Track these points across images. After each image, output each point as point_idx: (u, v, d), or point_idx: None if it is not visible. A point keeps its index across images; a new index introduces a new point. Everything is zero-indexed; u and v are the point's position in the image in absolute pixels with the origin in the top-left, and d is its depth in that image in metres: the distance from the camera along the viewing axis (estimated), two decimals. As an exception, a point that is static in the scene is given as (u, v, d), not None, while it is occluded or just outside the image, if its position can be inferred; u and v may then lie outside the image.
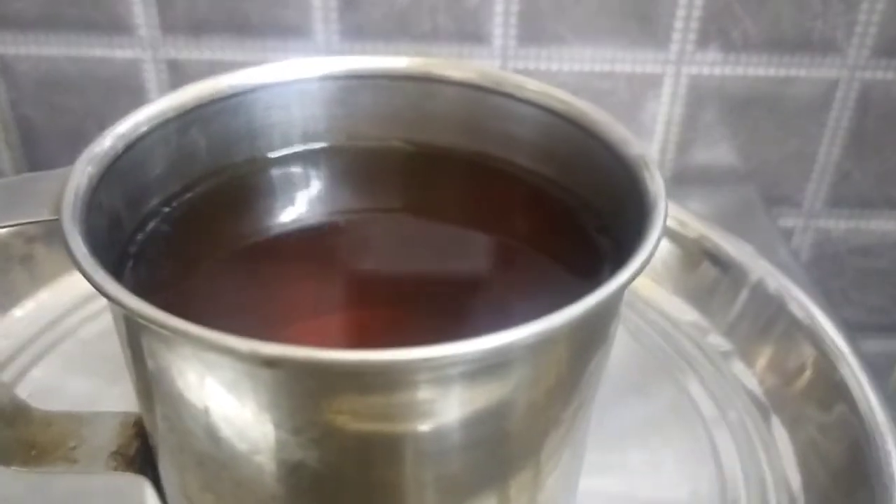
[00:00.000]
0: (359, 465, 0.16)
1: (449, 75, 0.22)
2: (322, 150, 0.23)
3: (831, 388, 0.25)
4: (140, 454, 0.20)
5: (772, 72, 0.44)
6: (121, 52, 0.43)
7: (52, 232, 0.28)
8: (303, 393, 0.15)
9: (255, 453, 0.16)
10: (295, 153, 0.22)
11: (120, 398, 0.25)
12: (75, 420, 0.21)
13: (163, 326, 0.14)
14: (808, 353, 0.26)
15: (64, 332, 0.29)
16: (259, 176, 0.22)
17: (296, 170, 0.22)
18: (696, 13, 0.42)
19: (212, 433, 0.16)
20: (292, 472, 0.16)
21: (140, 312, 0.14)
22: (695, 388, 0.28)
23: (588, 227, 0.20)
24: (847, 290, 0.51)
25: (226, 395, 0.15)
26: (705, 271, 0.30)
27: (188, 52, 0.44)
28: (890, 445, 0.23)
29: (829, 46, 0.43)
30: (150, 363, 0.16)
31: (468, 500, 0.18)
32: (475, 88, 0.22)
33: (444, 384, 0.15)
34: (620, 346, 0.29)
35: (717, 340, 0.29)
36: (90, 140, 0.45)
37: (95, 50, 0.43)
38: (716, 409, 0.27)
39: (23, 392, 0.21)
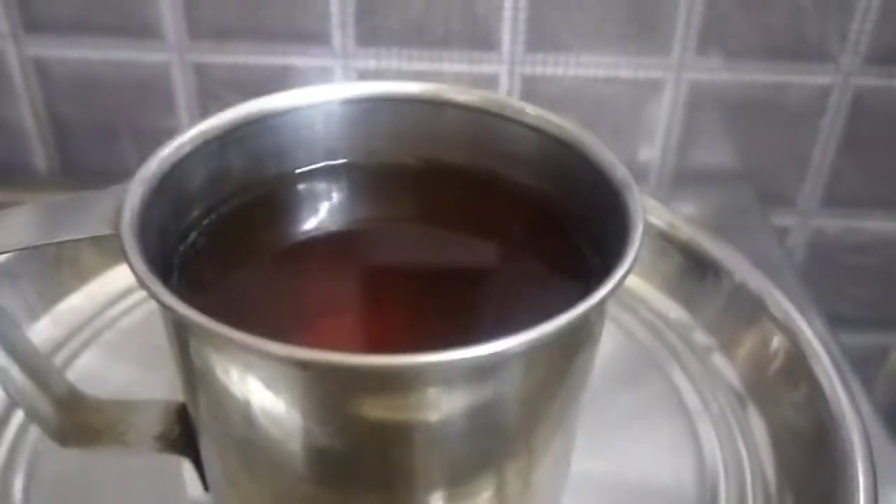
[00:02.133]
0: (376, 450, 0.19)
1: (456, 99, 0.24)
2: (343, 165, 0.25)
3: (801, 375, 0.28)
4: (181, 437, 0.23)
5: (769, 77, 0.45)
6: (150, 56, 0.46)
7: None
8: (328, 390, 0.17)
9: (287, 440, 0.19)
10: (318, 169, 0.25)
11: (158, 384, 0.28)
12: (123, 407, 0.24)
13: (212, 333, 0.16)
14: (782, 346, 0.29)
15: (107, 322, 0.32)
16: (287, 190, 0.24)
17: (319, 184, 0.25)
18: (696, 21, 0.44)
19: (250, 422, 0.18)
20: (319, 456, 0.19)
21: (192, 321, 0.16)
22: (679, 380, 0.30)
23: (578, 239, 0.23)
24: (841, 287, 0.53)
25: (263, 390, 0.18)
26: (692, 271, 0.33)
27: (213, 56, 0.46)
28: (850, 420, 0.26)
29: (824, 54, 0.45)
30: (196, 361, 0.19)
31: (471, 480, 0.21)
32: (480, 112, 0.24)
33: (449, 382, 0.18)
34: (612, 341, 0.31)
35: (701, 336, 0.32)
36: (120, 137, 0.48)
37: (126, 53, 0.46)
38: (698, 400, 0.30)
39: (70, 378, 0.24)
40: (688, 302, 0.33)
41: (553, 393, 0.20)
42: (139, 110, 0.48)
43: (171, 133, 0.22)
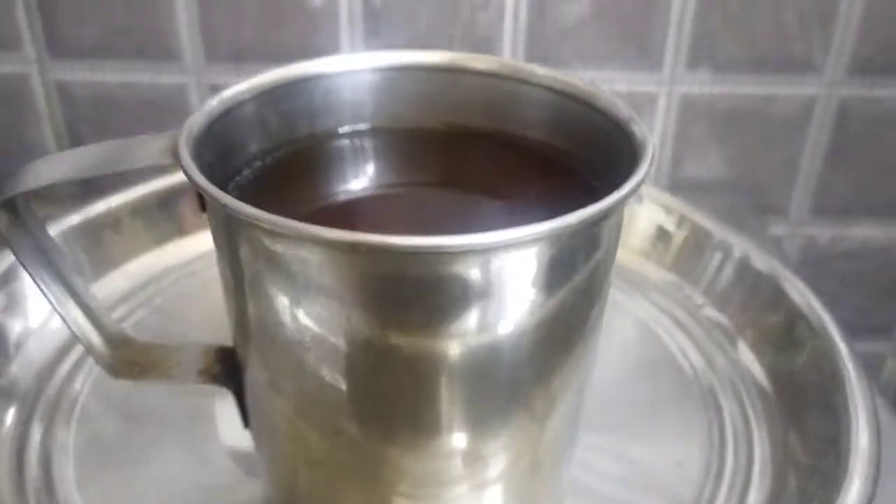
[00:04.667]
0: (414, 343, 0.20)
1: (474, 66, 0.26)
2: (368, 129, 0.27)
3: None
4: (222, 373, 0.24)
5: (756, 90, 0.48)
6: (168, 78, 0.48)
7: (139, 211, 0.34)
8: (375, 274, 0.19)
9: (331, 335, 0.20)
10: (346, 132, 0.27)
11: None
12: (168, 348, 0.25)
13: (270, 223, 0.18)
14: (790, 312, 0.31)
15: (142, 300, 0.34)
16: (317, 149, 0.26)
17: (347, 145, 0.27)
18: (686, 38, 0.47)
19: (297, 321, 0.20)
20: (362, 349, 0.20)
21: (251, 214, 0.18)
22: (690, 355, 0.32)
23: (590, 180, 0.25)
24: (834, 294, 0.54)
25: (313, 282, 0.19)
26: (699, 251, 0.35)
27: (229, 77, 0.48)
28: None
29: (808, 66, 0.47)
30: (248, 269, 0.20)
31: (494, 401, 0.22)
32: (495, 76, 0.26)
33: (486, 266, 0.19)
34: (628, 326, 0.33)
35: (712, 313, 0.34)
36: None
37: (146, 75, 0.48)
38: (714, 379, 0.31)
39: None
40: (697, 279, 0.35)
41: (577, 294, 0.21)
42: (157, 131, 0.50)
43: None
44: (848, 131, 0.49)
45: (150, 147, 0.22)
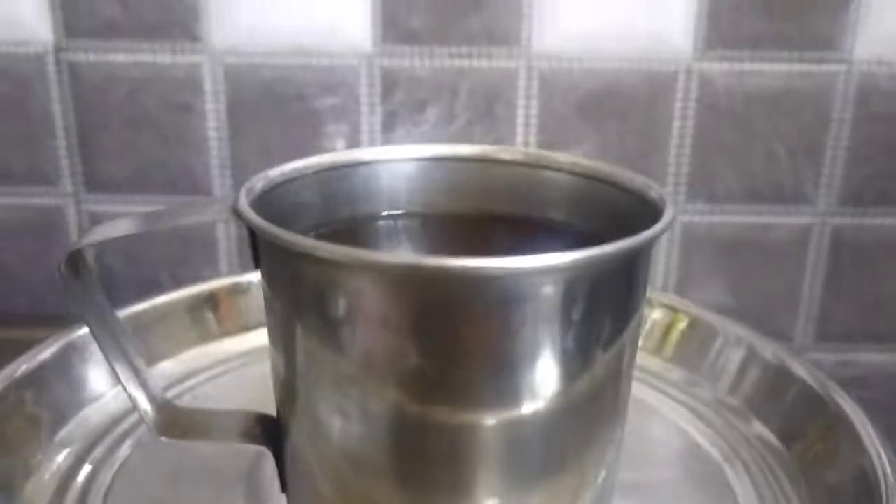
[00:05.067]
0: (472, 370, 0.21)
1: (501, 156, 0.29)
2: (404, 214, 0.29)
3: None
4: (262, 435, 0.25)
5: (753, 219, 0.51)
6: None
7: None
8: (437, 301, 0.20)
9: (377, 373, 0.21)
10: (384, 215, 0.29)
11: None
12: (210, 413, 0.26)
13: (328, 251, 0.20)
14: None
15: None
16: (357, 230, 0.28)
17: (384, 228, 0.29)
18: (685, 171, 0.50)
19: (344, 359, 0.21)
20: (410, 385, 0.21)
21: (308, 244, 0.20)
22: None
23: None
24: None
25: (366, 317, 0.21)
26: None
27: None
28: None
29: (800, 197, 0.50)
30: (296, 311, 0.22)
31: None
32: (520, 165, 0.29)
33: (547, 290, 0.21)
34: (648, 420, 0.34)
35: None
36: (164, 289, 0.52)
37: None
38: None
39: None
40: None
41: (615, 329, 0.23)
42: (182, 262, 0.52)
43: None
44: (844, 259, 0.51)
45: (208, 206, 0.23)
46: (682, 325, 0.39)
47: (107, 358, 0.25)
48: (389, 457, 0.22)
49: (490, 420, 0.22)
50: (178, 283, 0.52)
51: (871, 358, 0.53)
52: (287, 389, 0.23)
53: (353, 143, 0.50)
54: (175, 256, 0.52)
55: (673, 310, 0.39)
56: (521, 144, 0.49)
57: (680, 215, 0.51)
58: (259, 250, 0.23)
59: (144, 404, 0.25)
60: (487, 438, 0.22)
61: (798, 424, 0.33)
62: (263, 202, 0.25)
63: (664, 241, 0.52)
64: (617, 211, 0.27)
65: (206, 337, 0.38)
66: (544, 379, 0.22)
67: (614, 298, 0.22)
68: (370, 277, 0.20)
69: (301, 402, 0.23)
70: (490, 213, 0.29)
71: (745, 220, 0.51)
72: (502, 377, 0.21)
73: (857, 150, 0.49)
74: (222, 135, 0.50)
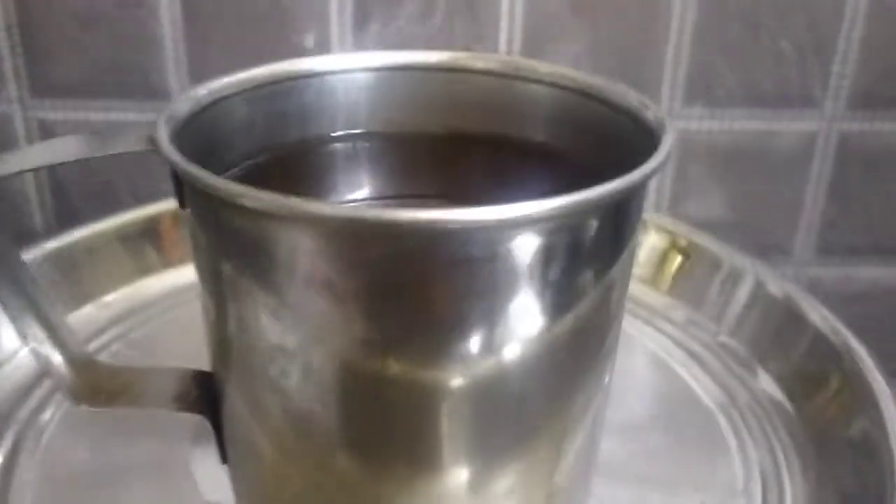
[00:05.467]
0: (424, 339, 0.18)
1: (474, 65, 0.25)
2: (362, 134, 0.25)
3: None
4: (198, 399, 0.22)
5: (754, 125, 0.47)
6: (155, 117, 0.47)
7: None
8: (371, 258, 0.17)
9: (322, 340, 0.18)
10: (339, 136, 0.25)
11: None
12: (138, 372, 0.23)
13: (257, 199, 0.16)
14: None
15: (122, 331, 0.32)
16: (308, 154, 0.25)
17: (340, 150, 0.25)
18: (682, 72, 0.46)
19: (284, 325, 0.18)
20: (355, 357, 0.18)
21: (237, 190, 0.16)
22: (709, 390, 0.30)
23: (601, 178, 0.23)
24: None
25: (304, 274, 0.17)
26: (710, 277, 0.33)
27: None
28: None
29: (807, 100, 0.47)
30: (230, 267, 0.18)
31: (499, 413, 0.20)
32: (496, 76, 0.25)
33: (520, 244, 0.17)
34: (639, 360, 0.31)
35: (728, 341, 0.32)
36: (121, 204, 0.48)
37: (132, 115, 0.47)
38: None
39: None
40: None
41: (599, 282, 0.20)
42: (140, 175, 0.48)
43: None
44: (850, 168, 0.48)
45: (127, 135, 0.20)
46: (681, 253, 0.35)
47: (7, 312, 0.22)
48: (341, 426, 0.19)
49: (454, 383, 0.19)
50: (137, 198, 0.49)
51: (874, 273, 0.51)
52: (221, 348, 0.20)
53: (323, 38, 0.46)
54: (133, 167, 0.48)
55: (671, 234, 0.36)
56: (506, 43, 0.45)
57: (675, 121, 0.47)
58: (183, 192, 0.20)
59: (60, 365, 0.22)
60: (451, 403, 0.19)
61: (807, 380, 0.30)
62: (192, 129, 0.21)
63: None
64: (606, 132, 0.23)
65: (145, 270, 0.35)
66: (515, 342, 0.18)
67: (601, 243, 0.19)
68: (308, 231, 0.17)
69: (237, 365, 0.20)
70: (461, 132, 0.25)
71: (746, 126, 0.47)
72: (466, 340, 0.18)
73: (870, 45, 0.45)
74: (178, 34, 0.45)
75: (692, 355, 0.32)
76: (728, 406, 0.29)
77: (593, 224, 0.18)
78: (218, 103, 0.22)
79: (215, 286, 0.19)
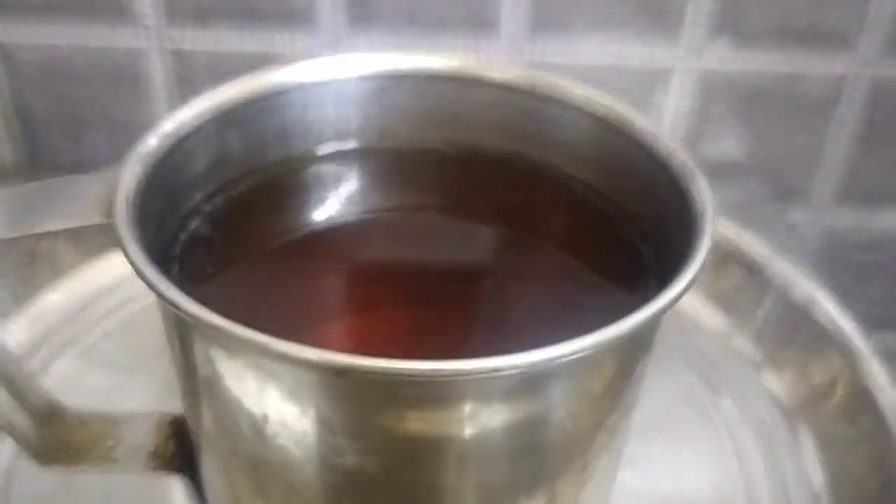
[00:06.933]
0: (413, 468, 0.16)
1: (487, 76, 0.22)
2: (356, 150, 0.22)
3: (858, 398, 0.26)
4: (177, 455, 0.20)
5: (781, 67, 0.43)
6: (125, 42, 0.43)
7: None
8: (363, 399, 0.15)
9: (306, 458, 0.16)
10: (328, 154, 0.22)
11: (145, 391, 0.25)
12: (110, 420, 0.21)
13: (227, 334, 0.14)
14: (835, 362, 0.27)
15: (86, 324, 0.29)
16: (292, 176, 0.22)
17: (329, 170, 0.22)
18: (706, 6, 0.42)
19: (264, 437, 0.16)
20: (347, 476, 0.16)
21: (204, 320, 0.14)
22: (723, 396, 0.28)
23: (628, 234, 0.20)
24: (848, 285, 0.51)
25: (283, 400, 0.15)
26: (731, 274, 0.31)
27: (193, 42, 0.43)
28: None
29: (840, 41, 0.43)
30: (202, 367, 0.16)
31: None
32: (512, 90, 0.21)
33: (501, 391, 0.15)
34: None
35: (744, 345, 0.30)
36: (91, 128, 0.45)
37: (99, 39, 0.42)
38: (738, 411, 0.27)
39: (47, 384, 0.21)
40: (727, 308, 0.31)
41: (606, 409, 0.18)
42: (112, 100, 0.44)
43: (146, 125, 0.20)
44: (878, 115, 0.45)
45: (79, 198, 0.17)
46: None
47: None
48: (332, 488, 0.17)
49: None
50: (109, 125, 0.46)
51: (889, 221, 0.48)
52: (194, 423, 0.18)
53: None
54: (102, 94, 0.44)
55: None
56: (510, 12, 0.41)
57: (698, 60, 0.43)
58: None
59: (21, 421, 0.19)
60: None
61: (812, 381, 0.28)
62: (163, 168, 0.18)
63: (676, 88, 0.44)
64: (634, 172, 0.20)
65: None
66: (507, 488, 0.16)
67: (607, 382, 0.16)
68: (280, 367, 0.14)
69: (213, 449, 0.18)
70: (469, 149, 0.22)
71: (772, 68, 0.44)
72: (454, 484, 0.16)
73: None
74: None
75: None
76: (729, 405, 0.28)
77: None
78: (188, 138, 0.19)
79: (187, 378, 0.17)
